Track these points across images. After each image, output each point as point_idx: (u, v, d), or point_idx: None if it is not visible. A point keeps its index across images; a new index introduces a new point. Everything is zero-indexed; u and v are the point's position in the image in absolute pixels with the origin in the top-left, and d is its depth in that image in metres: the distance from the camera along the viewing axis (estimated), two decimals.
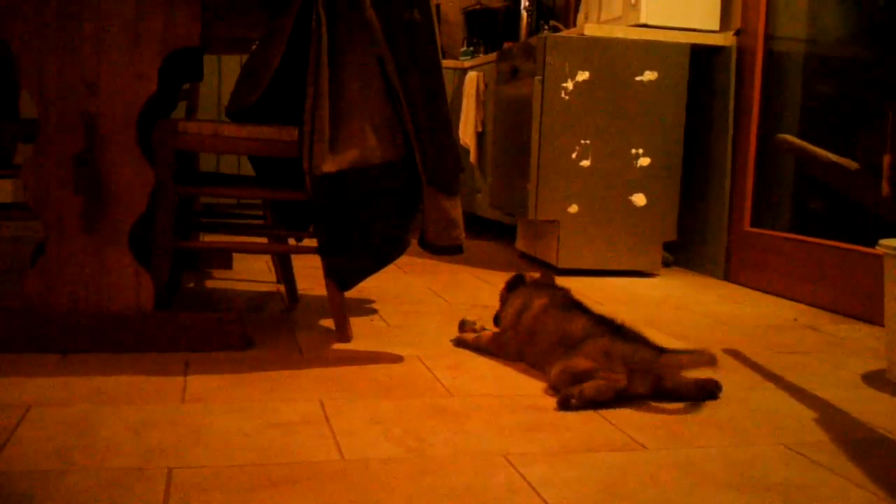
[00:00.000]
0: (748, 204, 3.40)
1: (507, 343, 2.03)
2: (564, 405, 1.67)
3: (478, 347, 2.10)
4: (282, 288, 2.86)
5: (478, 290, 3.00)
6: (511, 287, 2.15)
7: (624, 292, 3.08)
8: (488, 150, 4.40)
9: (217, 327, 1.98)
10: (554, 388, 1.77)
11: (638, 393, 1.72)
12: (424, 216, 2.03)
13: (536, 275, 2.18)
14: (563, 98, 3.37)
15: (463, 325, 2.23)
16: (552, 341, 1.87)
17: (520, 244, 3.91)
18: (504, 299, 2.14)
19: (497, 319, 2.15)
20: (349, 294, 2.74)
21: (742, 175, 3.41)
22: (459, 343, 2.15)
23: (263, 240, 2.71)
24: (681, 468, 1.39)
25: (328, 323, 2.34)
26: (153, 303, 1.96)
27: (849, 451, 1.51)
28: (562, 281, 2.10)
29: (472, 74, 4.56)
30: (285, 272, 2.60)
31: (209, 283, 2.90)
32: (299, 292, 2.75)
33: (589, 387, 1.68)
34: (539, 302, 1.99)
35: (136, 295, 1.95)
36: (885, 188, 1.86)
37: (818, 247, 2.99)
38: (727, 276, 3.49)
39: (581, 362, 1.74)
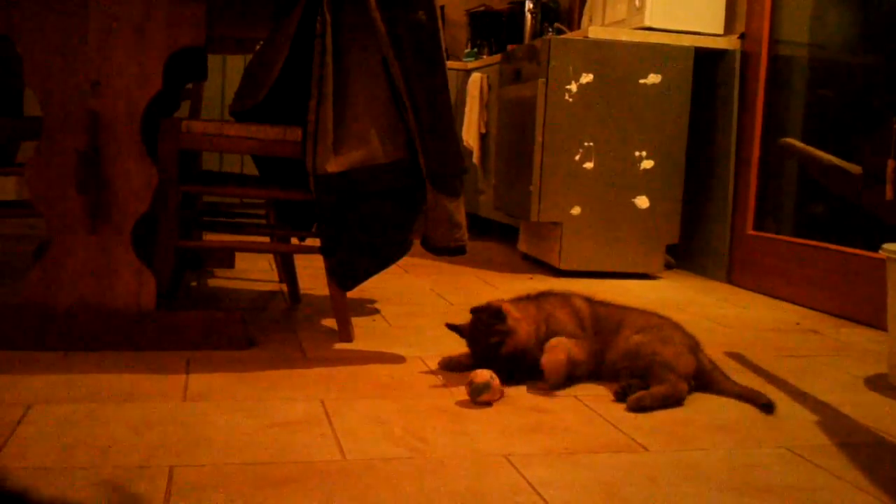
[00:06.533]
0: (751, 207, 3.40)
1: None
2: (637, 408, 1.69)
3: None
4: (284, 287, 2.86)
5: (480, 291, 3.00)
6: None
7: (626, 294, 3.08)
8: (491, 151, 4.40)
9: (219, 326, 1.98)
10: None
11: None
12: (427, 217, 2.03)
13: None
14: (567, 100, 3.37)
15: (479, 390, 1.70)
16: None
17: (522, 245, 3.91)
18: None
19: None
20: (351, 294, 2.74)
21: (745, 178, 3.41)
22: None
23: (266, 239, 2.71)
24: (682, 470, 1.39)
25: (330, 323, 2.34)
26: (155, 301, 1.96)
27: (851, 455, 1.51)
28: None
29: (475, 76, 4.56)
30: (288, 272, 2.60)
31: (211, 282, 2.90)
32: (301, 292, 2.75)
33: (657, 394, 1.72)
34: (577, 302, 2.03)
35: (139, 293, 1.95)
36: (889, 192, 1.85)
37: (821, 251, 2.99)
38: (729, 280, 3.48)
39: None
